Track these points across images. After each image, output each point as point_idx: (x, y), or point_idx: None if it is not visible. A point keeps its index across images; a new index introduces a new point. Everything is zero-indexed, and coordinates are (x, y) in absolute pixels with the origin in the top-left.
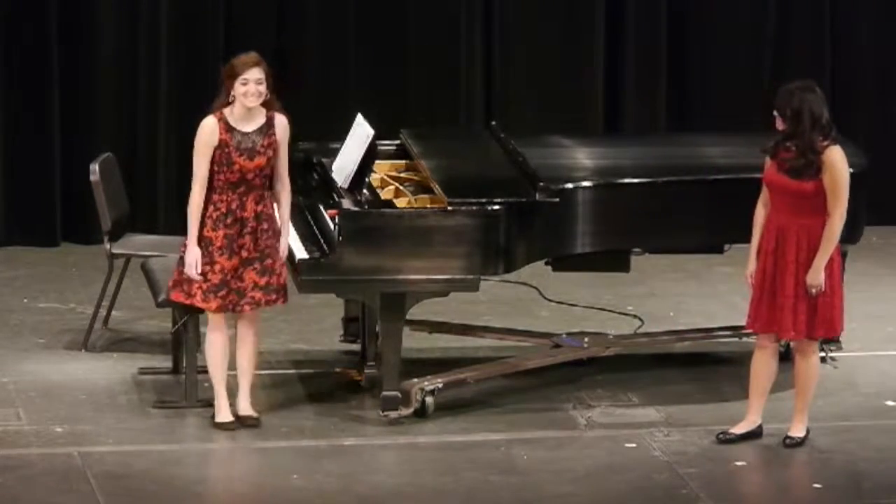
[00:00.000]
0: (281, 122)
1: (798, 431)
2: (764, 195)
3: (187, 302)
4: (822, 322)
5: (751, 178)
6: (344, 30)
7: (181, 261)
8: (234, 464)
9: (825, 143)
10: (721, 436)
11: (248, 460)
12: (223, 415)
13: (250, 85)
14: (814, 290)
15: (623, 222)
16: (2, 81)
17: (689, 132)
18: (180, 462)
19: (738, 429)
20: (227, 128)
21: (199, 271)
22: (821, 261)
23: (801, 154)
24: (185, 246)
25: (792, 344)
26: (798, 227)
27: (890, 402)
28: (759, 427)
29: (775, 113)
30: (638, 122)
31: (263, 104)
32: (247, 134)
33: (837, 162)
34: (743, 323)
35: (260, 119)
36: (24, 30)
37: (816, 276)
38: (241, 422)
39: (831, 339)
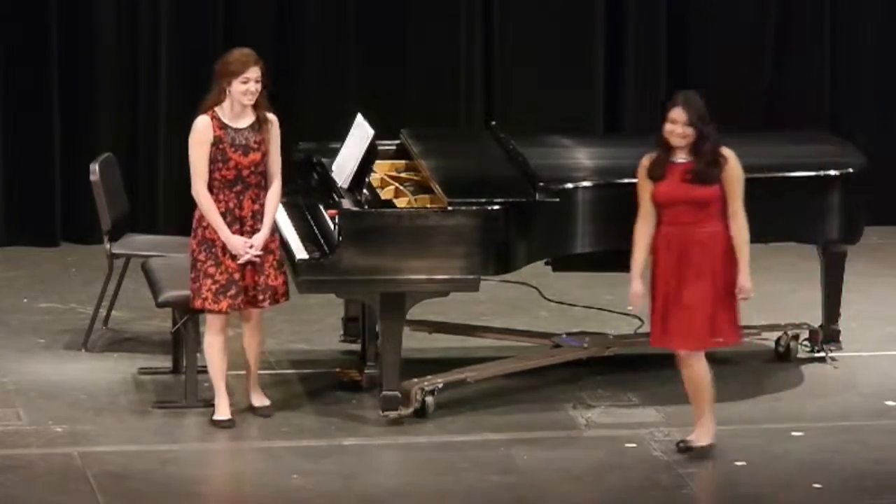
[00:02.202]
0: (273, 121)
1: (698, 438)
2: (647, 214)
3: (205, 307)
4: (721, 331)
5: (750, 178)
6: (344, 30)
7: (193, 268)
8: (234, 464)
9: (721, 149)
10: (681, 444)
11: (248, 460)
12: (221, 412)
13: (251, 84)
14: (747, 297)
15: (623, 222)
16: (2, 81)
17: None
18: (180, 462)
19: (697, 439)
20: (221, 125)
21: (249, 245)
22: (747, 265)
23: (709, 159)
24: (193, 251)
25: (681, 353)
26: (706, 236)
27: (890, 402)
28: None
29: (671, 126)
30: (638, 122)
31: (263, 102)
32: (240, 130)
33: (734, 160)
34: (742, 323)
35: (250, 116)
36: (24, 30)
37: (748, 282)
38: (254, 412)
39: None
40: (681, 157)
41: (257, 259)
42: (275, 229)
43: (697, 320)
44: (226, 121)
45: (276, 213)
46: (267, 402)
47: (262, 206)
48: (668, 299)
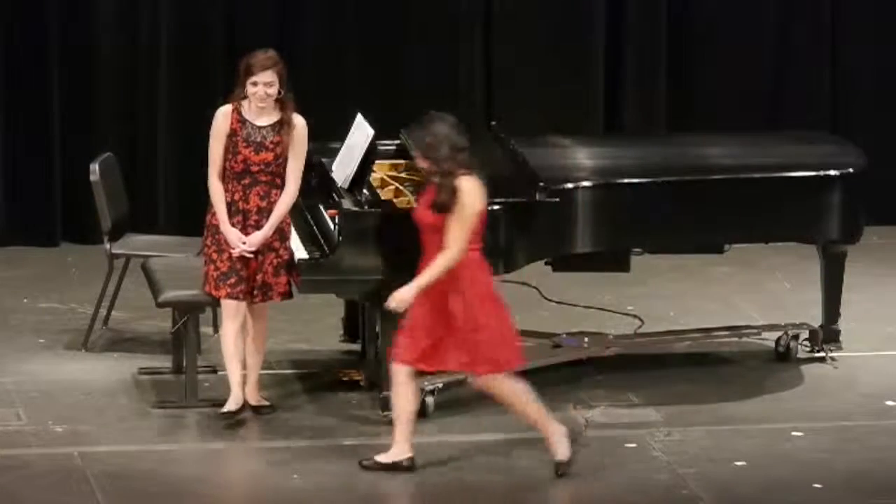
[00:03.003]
0: (299, 124)
1: (388, 455)
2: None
3: (209, 291)
4: (483, 360)
5: (751, 178)
6: (344, 30)
7: (203, 252)
8: (234, 464)
9: (461, 173)
10: (364, 462)
11: (248, 460)
12: (227, 404)
13: (259, 87)
14: (392, 304)
15: (623, 222)
16: (2, 81)
17: (689, 132)
18: (180, 462)
19: (385, 457)
20: (240, 118)
21: (242, 240)
22: (419, 280)
23: (443, 187)
24: (207, 241)
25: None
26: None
27: (890, 402)
28: (411, 459)
29: (415, 152)
30: (638, 122)
31: (278, 102)
32: (258, 128)
33: (467, 194)
34: (743, 323)
35: (274, 115)
36: (24, 30)
37: (405, 293)
38: (254, 412)
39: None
40: (433, 180)
41: (250, 255)
42: (285, 234)
43: (465, 347)
44: (246, 115)
45: (282, 216)
46: (266, 403)
47: (270, 204)
48: (426, 322)
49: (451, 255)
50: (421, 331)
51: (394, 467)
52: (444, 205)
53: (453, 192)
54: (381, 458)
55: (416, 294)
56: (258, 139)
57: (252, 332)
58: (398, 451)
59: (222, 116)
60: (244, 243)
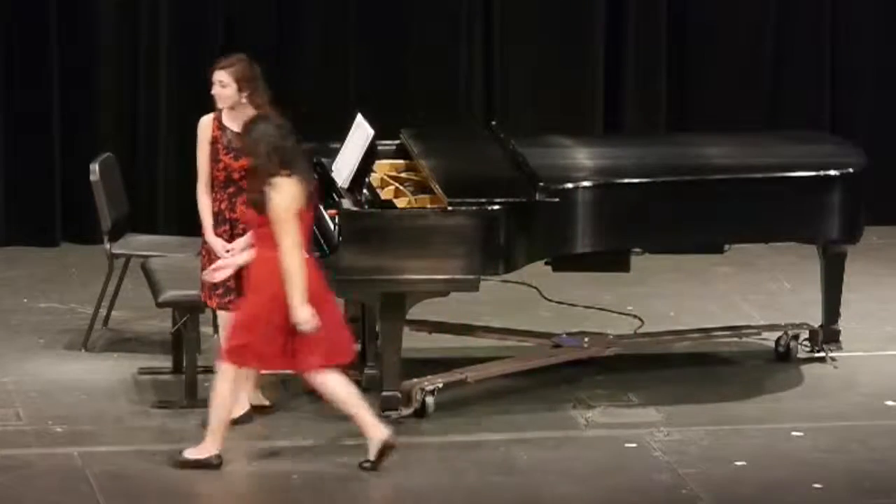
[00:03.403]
0: None
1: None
2: None
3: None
4: (308, 356)
5: (751, 178)
6: (344, 30)
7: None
8: (234, 464)
9: (282, 173)
10: (178, 458)
11: (249, 460)
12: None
13: (215, 87)
14: (307, 327)
15: (623, 222)
16: (2, 81)
17: (689, 132)
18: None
19: (194, 453)
20: (220, 126)
21: (227, 248)
22: (293, 298)
23: (255, 186)
24: (202, 249)
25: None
26: (273, 261)
27: (890, 402)
28: (219, 457)
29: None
30: (638, 122)
31: (255, 107)
32: (237, 134)
33: (279, 192)
34: (743, 323)
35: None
36: (24, 30)
37: (298, 314)
38: (255, 412)
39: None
40: (252, 178)
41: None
42: None
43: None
44: (226, 122)
45: None
46: (266, 402)
47: None
48: (260, 321)
49: (289, 254)
50: (250, 329)
51: (203, 464)
52: (257, 202)
53: (264, 191)
54: (189, 453)
55: (304, 305)
56: (236, 145)
57: None
58: (209, 447)
59: (204, 125)
60: (229, 252)
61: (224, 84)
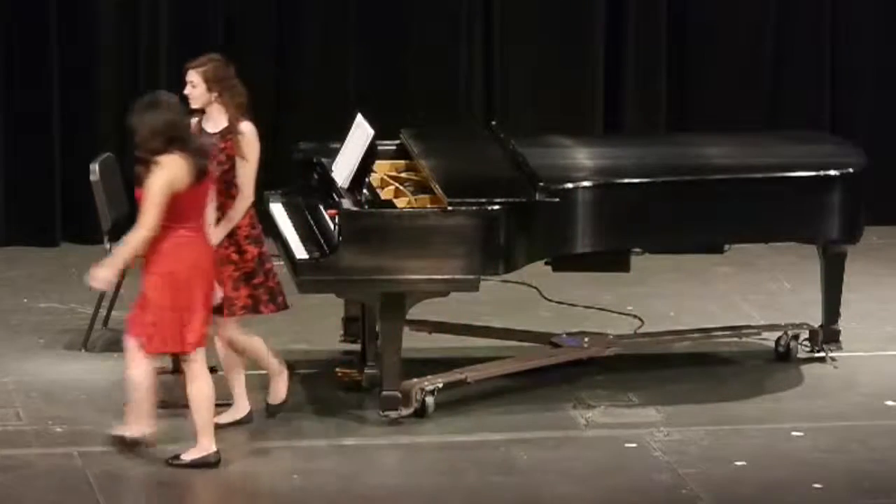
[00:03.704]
0: (245, 130)
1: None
2: None
3: None
4: (152, 338)
5: (751, 178)
6: (344, 30)
7: None
8: (234, 464)
9: (168, 151)
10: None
11: (249, 460)
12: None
13: (187, 87)
14: (93, 283)
15: (623, 222)
16: (2, 81)
17: (689, 132)
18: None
19: (191, 454)
20: (200, 128)
21: None
22: (114, 257)
23: (139, 165)
24: None
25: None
26: (164, 239)
27: (890, 402)
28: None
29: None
30: (638, 122)
31: (226, 108)
32: (210, 135)
33: (159, 170)
34: (743, 323)
35: (221, 122)
36: (24, 30)
37: (98, 270)
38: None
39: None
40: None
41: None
42: (242, 247)
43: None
44: (204, 124)
45: (231, 224)
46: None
47: (224, 214)
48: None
49: (139, 231)
50: (140, 304)
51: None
52: (140, 180)
53: (145, 170)
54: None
55: (113, 271)
56: (209, 147)
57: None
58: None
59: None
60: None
61: (194, 84)
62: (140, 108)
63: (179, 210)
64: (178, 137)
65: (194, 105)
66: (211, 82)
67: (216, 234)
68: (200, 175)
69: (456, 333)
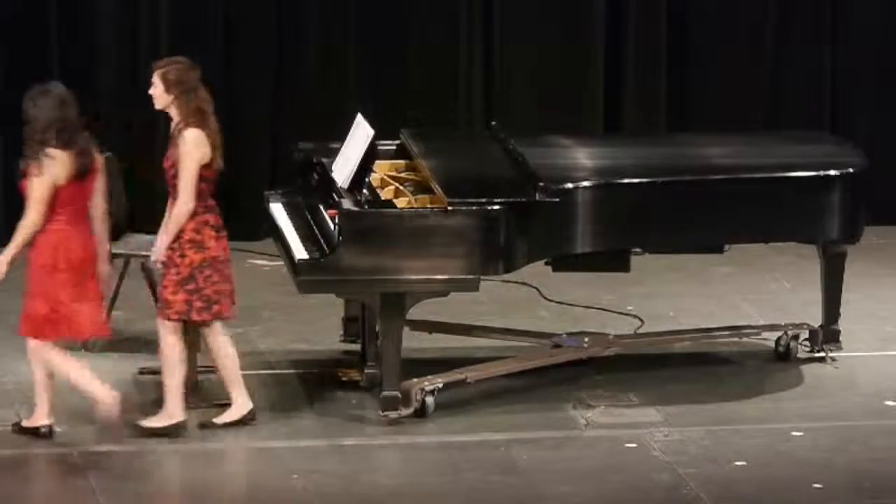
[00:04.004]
0: (185, 136)
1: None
2: None
3: None
4: (25, 322)
5: (751, 178)
6: (344, 30)
7: None
8: (233, 464)
9: (57, 146)
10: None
11: (248, 460)
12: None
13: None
14: None
15: (623, 222)
16: (2, 81)
17: (689, 132)
18: (180, 462)
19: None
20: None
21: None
22: (7, 249)
23: (34, 155)
24: None
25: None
26: (48, 232)
27: (890, 402)
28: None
29: None
30: (638, 122)
31: (181, 112)
32: (171, 139)
33: (40, 164)
34: (743, 323)
35: (174, 127)
36: (23, 30)
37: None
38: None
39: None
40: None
41: (158, 266)
42: (185, 252)
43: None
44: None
45: (174, 230)
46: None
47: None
48: None
49: (25, 222)
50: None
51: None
52: (25, 172)
53: (38, 161)
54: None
55: (7, 261)
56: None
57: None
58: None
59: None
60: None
61: (154, 85)
62: (34, 99)
63: (59, 203)
64: (68, 133)
65: (157, 106)
66: (170, 84)
67: (161, 239)
68: (83, 172)
69: (456, 333)
